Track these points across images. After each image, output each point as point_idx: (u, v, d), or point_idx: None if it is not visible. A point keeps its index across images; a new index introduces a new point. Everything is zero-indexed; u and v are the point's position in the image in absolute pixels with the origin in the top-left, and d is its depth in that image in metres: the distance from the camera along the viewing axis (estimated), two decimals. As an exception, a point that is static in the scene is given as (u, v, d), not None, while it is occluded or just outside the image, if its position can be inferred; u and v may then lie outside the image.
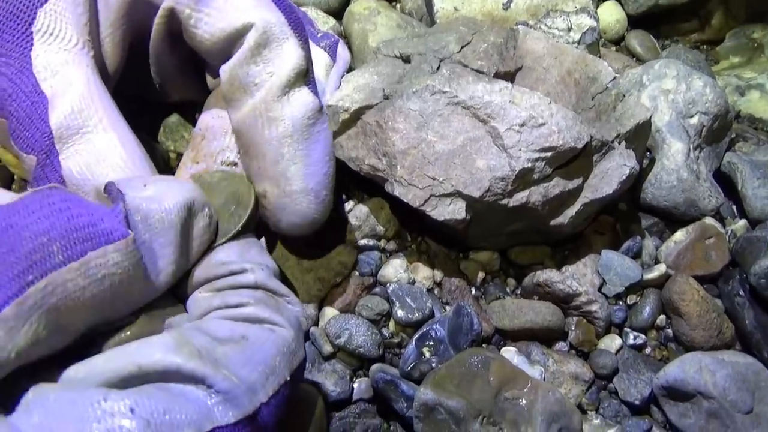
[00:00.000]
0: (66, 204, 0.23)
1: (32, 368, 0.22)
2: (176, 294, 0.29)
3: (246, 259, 0.29)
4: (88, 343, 0.25)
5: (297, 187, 0.33)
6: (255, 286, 0.28)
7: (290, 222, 0.34)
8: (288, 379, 0.25)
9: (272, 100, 0.32)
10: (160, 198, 0.26)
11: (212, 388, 0.23)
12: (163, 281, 0.26)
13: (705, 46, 0.64)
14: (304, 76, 0.34)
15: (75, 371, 0.22)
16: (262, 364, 0.24)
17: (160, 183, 0.27)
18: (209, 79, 0.39)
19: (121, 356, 0.22)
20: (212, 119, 0.36)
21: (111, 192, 0.25)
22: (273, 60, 0.33)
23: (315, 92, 0.34)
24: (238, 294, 0.27)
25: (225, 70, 0.34)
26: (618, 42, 0.60)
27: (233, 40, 0.33)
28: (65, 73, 0.30)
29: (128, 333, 0.25)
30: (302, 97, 0.33)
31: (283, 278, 0.40)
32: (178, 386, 0.22)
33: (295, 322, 0.28)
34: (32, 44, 0.30)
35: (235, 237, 0.33)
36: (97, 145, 0.30)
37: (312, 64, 0.35)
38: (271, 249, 0.41)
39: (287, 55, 0.33)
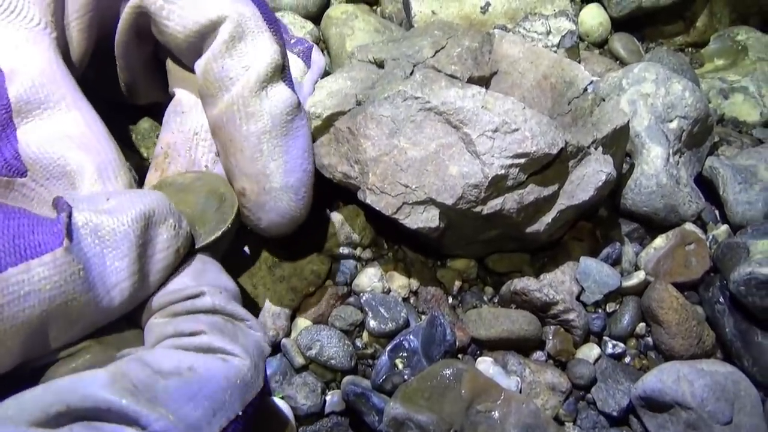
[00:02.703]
0: None
1: None
2: (136, 322, 0.27)
3: (203, 281, 0.28)
4: (37, 374, 0.23)
5: (277, 184, 0.32)
6: (212, 311, 0.27)
7: (270, 220, 0.34)
8: (240, 413, 0.24)
9: (249, 95, 0.32)
10: (115, 209, 0.25)
11: (146, 430, 0.21)
12: (117, 300, 0.24)
13: (690, 49, 0.63)
14: (281, 71, 0.33)
15: (6, 406, 0.21)
16: (209, 399, 0.23)
17: (123, 195, 0.26)
18: (172, 78, 0.37)
19: (50, 392, 0.21)
20: (173, 135, 0.35)
21: (59, 205, 0.24)
22: (248, 53, 0.32)
23: (292, 88, 0.33)
24: (193, 320, 0.26)
25: (199, 64, 0.33)
26: (602, 45, 0.60)
27: (206, 34, 0.32)
28: (25, 50, 0.29)
29: (78, 363, 0.24)
30: (280, 92, 0.32)
31: (255, 288, 0.39)
32: (109, 427, 0.21)
33: (253, 349, 0.27)
34: None
35: (224, 236, 0.32)
36: (58, 121, 0.29)
37: (288, 59, 0.34)
38: (254, 256, 0.40)
39: (262, 49, 0.32)
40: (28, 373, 0.24)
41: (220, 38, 0.32)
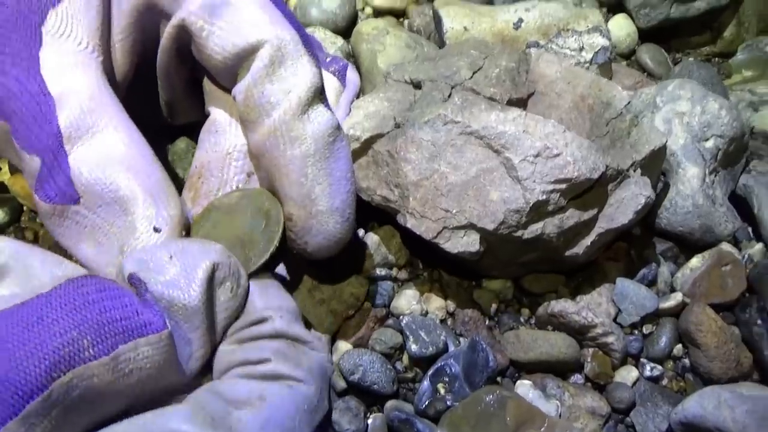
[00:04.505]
0: (100, 295, 0.23)
1: None
2: None
3: (266, 304, 0.29)
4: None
5: (323, 208, 0.32)
6: (276, 335, 0.28)
7: (317, 243, 0.34)
8: None
9: (291, 119, 0.32)
10: (181, 279, 0.25)
11: None
12: (194, 367, 0.26)
13: (717, 59, 0.63)
14: (320, 94, 0.33)
15: None
16: (280, 427, 0.24)
17: (185, 256, 0.26)
18: (208, 97, 0.38)
19: (133, 427, 0.22)
20: (206, 154, 0.35)
21: (134, 282, 0.25)
22: (288, 78, 0.32)
23: (330, 110, 0.34)
24: (258, 348, 0.27)
25: (240, 90, 0.33)
26: (629, 56, 0.59)
27: (244, 57, 0.32)
28: (73, 75, 0.30)
29: None
30: (321, 114, 0.32)
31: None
32: None
33: (317, 371, 0.27)
34: (41, 44, 0.30)
35: (273, 257, 0.32)
36: (107, 145, 0.29)
37: (323, 81, 0.34)
38: (296, 281, 0.41)
39: (302, 73, 0.32)
40: None
41: (260, 63, 0.32)
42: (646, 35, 0.59)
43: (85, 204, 0.29)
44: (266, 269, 0.32)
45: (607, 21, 0.58)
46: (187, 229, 0.31)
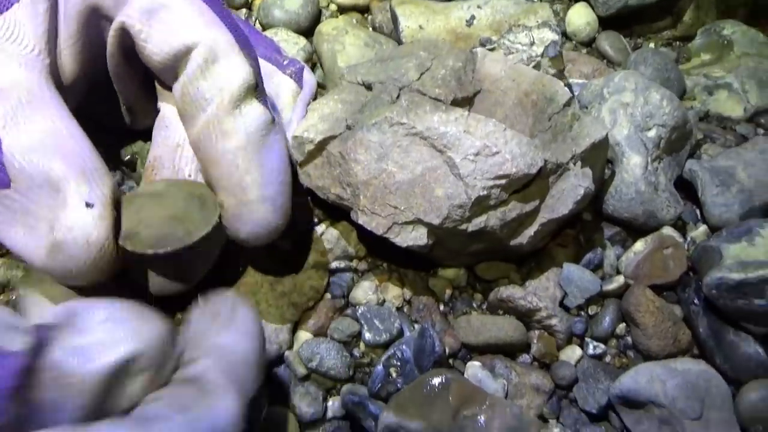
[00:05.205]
0: None
1: None
2: None
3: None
4: None
5: (253, 197, 0.34)
6: None
7: (249, 231, 0.35)
8: None
9: (224, 114, 0.33)
10: (93, 353, 0.24)
11: None
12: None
13: (678, 43, 0.64)
14: (254, 90, 0.34)
15: None
16: None
17: (113, 326, 0.25)
18: (159, 93, 0.39)
19: None
20: (159, 148, 0.37)
21: (40, 335, 0.23)
22: (221, 75, 0.33)
23: (266, 105, 0.35)
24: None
25: (176, 88, 0.35)
26: (589, 44, 0.61)
27: (180, 57, 0.34)
28: (17, 72, 0.31)
29: None
30: (254, 110, 0.34)
31: (258, 305, 0.43)
32: None
33: None
34: None
35: (215, 232, 0.33)
36: (42, 132, 0.30)
37: (261, 79, 0.36)
38: (256, 273, 0.42)
39: (236, 70, 0.33)
40: None
41: (194, 62, 0.34)
42: (606, 23, 0.61)
43: (16, 188, 0.30)
44: (208, 242, 0.32)
45: (567, 9, 0.60)
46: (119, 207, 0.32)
